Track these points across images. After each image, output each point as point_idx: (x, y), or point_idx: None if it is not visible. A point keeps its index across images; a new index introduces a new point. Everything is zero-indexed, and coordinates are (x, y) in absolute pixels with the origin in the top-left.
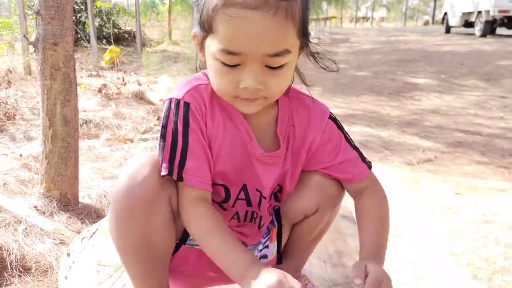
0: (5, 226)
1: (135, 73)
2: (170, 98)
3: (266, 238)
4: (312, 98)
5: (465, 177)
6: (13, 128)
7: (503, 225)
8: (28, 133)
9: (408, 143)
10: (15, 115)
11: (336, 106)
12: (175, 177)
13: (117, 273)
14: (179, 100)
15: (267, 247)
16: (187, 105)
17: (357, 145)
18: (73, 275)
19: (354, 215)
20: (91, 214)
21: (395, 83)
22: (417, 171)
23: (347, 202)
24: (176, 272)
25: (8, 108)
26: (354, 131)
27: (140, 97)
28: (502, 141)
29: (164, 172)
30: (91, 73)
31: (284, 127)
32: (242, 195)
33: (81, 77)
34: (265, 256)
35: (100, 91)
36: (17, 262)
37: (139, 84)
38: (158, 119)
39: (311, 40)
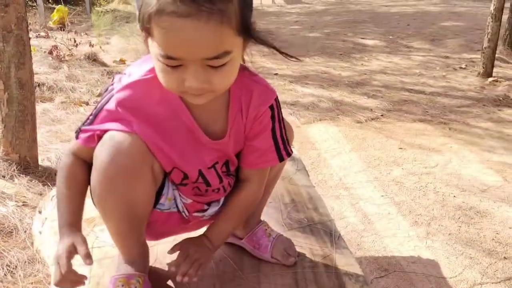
0: None
1: (86, 34)
2: (112, 84)
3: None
4: (261, 82)
5: (408, 133)
6: None
7: (442, 176)
8: None
9: (358, 102)
10: None
11: (289, 67)
12: (76, 137)
13: (89, 227)
14: (113, 95)
15: None
16: (117, 102)
17: (310, 105)
18: (47, 230)
19: (307, 168)
20: (52, 177)
21: (345, 44)
22: (365, 128)
23: (301, 157)
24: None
25: None
26: (307, 92)
27: (93, 59)
28: (444, 98)
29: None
30: (39, 34)
31: (234, 114)
32: (200, 180)
33: (29, 38)
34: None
35: (51, 52)
36: None
37: (91, 46)
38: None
39: (256, 31)
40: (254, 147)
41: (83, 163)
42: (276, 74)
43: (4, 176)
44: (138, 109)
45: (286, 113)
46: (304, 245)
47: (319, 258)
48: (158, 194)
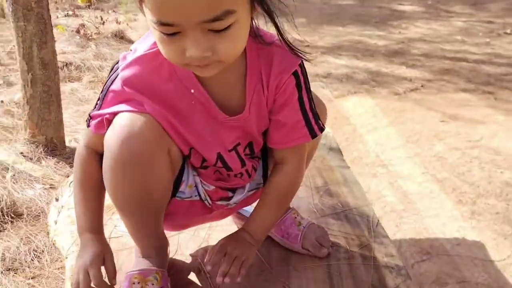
0: None
1: (113, 11)
2: (117, 63)
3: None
4: (282, 46)
5: (451, 104)
6: None
7: (488, 150)
8: (8, 78)
9: (395, 73)
10: None
11: (322, 38)
12: (87, 125)
13: (108, 215)
14: (118, 74)
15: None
16: (122, 80)
17: (344, 77)
18: (63, 219)
19: (341, 145)
20: None
21: (381, 11)
22: (403, 100)
23: (335, 133)
24: (165, 215)
25: None
26: (341, 63)
27: (120, 37)
28: (488, 66)
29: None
30: (67, 13)
31: (253, 85)
32: (219, 164)
33: (57, 17)
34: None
35: (78, 31)
36: (8, 208)
37: (118, 23)
38: None
39: None
40: (280, 122)
41: (98, 157)
42: (307, 46)
43: (31, 159)
44: (146, 87)
45: (318, 86)
46: (338, 234)
47: (356, 249)
48: (178, 181)
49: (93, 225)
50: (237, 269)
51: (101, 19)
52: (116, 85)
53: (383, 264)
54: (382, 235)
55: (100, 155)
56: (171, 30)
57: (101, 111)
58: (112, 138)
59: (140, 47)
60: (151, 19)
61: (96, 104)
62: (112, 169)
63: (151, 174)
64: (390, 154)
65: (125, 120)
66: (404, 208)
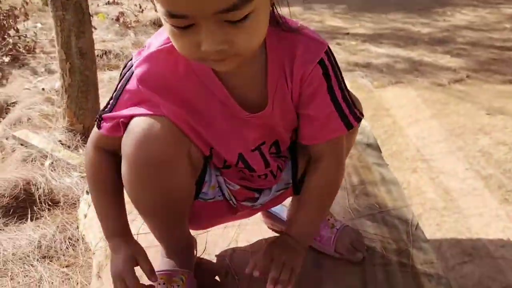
0: (31, 161)
1: None
2: (131, 59)
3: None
4: (306, 33)
5: (498, 96)
6: (34, 62)
7: None
8: (49, 66)
9: (439, 62)
10: (35, 48)
11: (363, 25)
12: (97, 126)
13: (136, 211)
14: (133, 72)
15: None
16: (138, 79)
17: (385, 67)
18: (92, 213)
19: (380, 138)
20: None
21: None
22: (447, 91)
23: (373, 126)
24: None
25: (28, 41)
26: (382, 52)
27: (158, 25)
28: None
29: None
30: (108, 1)
31: (275, 79)
32: (241, 164)
33: (98, 5)
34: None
35: (117, 20)
36: (45, 196)
37: (156, 11)
38: None
39: None
40: (311, 116)
41: (110, 157)
42: (347, 33)
43: (69, 147)
44: (162, 85)
45: (357, 76)
46: (375, 237)
47: (392, 254)
48: (200, 182)
49: (118, 227)
50: (287, 276)
51: (140, 7)
52: (132, 84)
53: (422, 271)
54: (422, 240)
55: (112, 154)
56: (183, 22)
57: (115, 113)
58: (129, 143)
59: (154, 42)
60: (161, 10)
61: (109, 103)
62: (130, 175)
63: (170, 178)
64: (432, 148)
65: (141, 124)
66: (445, 206)
